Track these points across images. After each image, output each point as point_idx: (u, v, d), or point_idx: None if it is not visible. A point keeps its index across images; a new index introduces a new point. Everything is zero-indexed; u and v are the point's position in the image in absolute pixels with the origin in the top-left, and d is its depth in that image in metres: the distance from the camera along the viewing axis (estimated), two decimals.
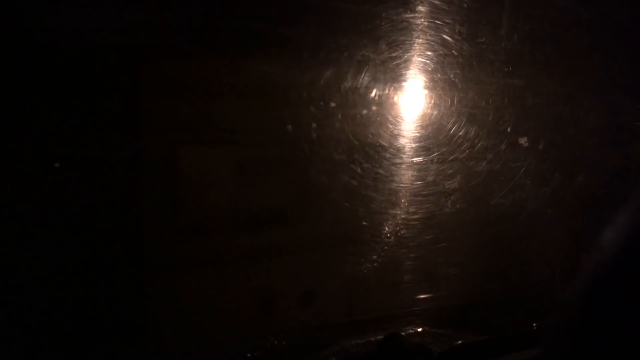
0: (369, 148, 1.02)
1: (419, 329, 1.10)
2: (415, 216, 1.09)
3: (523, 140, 1.13)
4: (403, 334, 1.04)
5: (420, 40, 1.00)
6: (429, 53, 1.01)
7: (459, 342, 0.89)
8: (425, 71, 1.02)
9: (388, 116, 1.02)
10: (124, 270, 0.90)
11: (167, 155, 0.92)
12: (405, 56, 1.00)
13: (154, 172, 0.92)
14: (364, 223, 1.06)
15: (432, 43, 1.01)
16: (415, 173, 1.07)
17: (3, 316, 0.80)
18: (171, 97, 0.91)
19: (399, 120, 1.03)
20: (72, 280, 0.85)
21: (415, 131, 1.05)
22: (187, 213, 0.96)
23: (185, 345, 0.94)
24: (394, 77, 1.00)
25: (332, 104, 0.97)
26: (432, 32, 1.01)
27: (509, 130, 1.12)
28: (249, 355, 0.97)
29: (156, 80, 0.90)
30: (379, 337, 1.00)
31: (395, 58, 0.99)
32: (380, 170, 1.04)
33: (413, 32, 0.99)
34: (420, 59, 1.01)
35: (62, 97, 0.82)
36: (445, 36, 1.01)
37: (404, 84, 1.01)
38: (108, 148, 0.87)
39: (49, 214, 0.83)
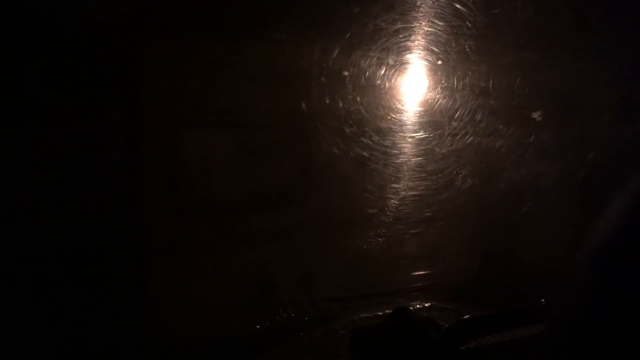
0: (380, 121, 1.00)
1: (427, 304, 1.10)
2: (425, 192, 1.09)
3: (536, 115, 1.12)
4: (411, 308, 1.04)
5: (434, 11, 0.98)
6: (441, 24, 0.99)
7: (467, 316, 0.89)
8: (438, 42, 1.00)
9: (399, 88, 1.00)
10: (131, 251, 0.90)
11: (170, 137, 0.91)
12: (418, 26, 0.98)
13: (156, 155, 0.91)
14: (372, 198, 1.05)
15: (445, 13, 0.99)
16: (425, 147, 1.05)
17: (10, 296, 0.80)
18: (174, 78, 0.89)
19: (409, 92, 1.02)
20: (77, 263, 0.84)
21: (426, 104, 1.03)
22: (196, 195, 0.95)
23: (195, 320, 0.94)
24: (406, 48, 0.98)
25: (344, 74, 0.95)
26: (446, 2, 0.98)
27: (521, 104, 1.10)
28: (257, 327, 0.98)
29: (157, 61, 0.88)
30: (387, 311, 1.00)
31: (407, 28, 0.97)
32: (389, 144, 1.03)
33: (426, 2, 0.97)
34: (433, 30, 0.99)
35: (63, 78, 0.80)
36: (459, 6, 0.99)
37: (416, 54, 0.99)
38: (109, 130, 0.86)
39: (52, 196, 0.82)
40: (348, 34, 0.93)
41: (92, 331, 0.86)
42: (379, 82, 0.98)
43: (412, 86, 1.01)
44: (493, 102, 1.08)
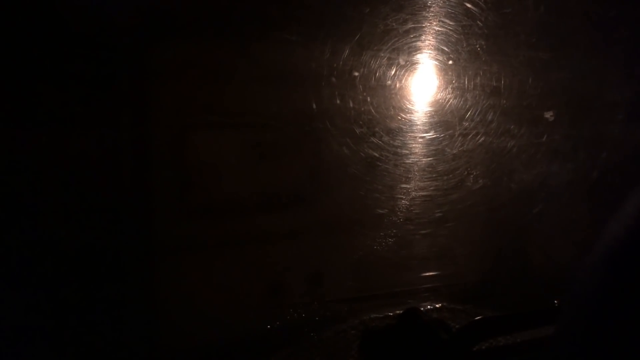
0: (390, 121, 1.00)
1: (437, 305, 1.10)
2: (435, 193, 1.08)
3: (549, 114, 1.11)
4: (422, 309, 1.04)
5: (444, 10, 0.98)
6: (452, 23, 0.99)
7: (478, 317, 0.88)
8: (448, 42, 0.99)
9: (409, 88, 1.00)
10: (141, 251, 0.91)
11: (180, 138, 0.91)
12: (429, 26, 0.97)
13: (165, 156, 0.91)
14: (382, 198, 1.05)
15: (456, 13, 0.98)
16: (436, 148, 1.05)
17: (20, 295, 0.81)
18: (183, 80, 0.89)
19: (420, 92, 1.01)
20: (86, 263, 0.85)
21: (436, 104, 1.03)
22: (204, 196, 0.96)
23: (205, 320, 0.95)
24: (417, 48, 0.98)
25: (354, 74, 0.95)
26: (456, 2, 0.98)
27: (533, 104, 1.10)
28: (268, 326, 0.98)
29: (167, 62, 0.88)
30: (397, 312, 1.00)
31: (418, 28, 0.97)
32: (400, 144, 1.02)
33: (437, 1, 0.97)
34: (443, 29, 0.98)
35: (73, 80, 0.81)
36: (469, 5, 0.98)
37: (426, 54, 0.99)
38: (119, 131, 0.86)
39: (61, 197, 0.83)
40: (358, 35, 0.93)
41: (101, 331, 0.86)
42: (389, 82, 0.98)
43: (423, 86, 1.01)
44: (504, 102, 1.07)
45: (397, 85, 0.99)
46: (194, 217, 0.95)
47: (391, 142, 1.02)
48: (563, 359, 0.48)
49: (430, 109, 1.03)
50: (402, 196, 1.06)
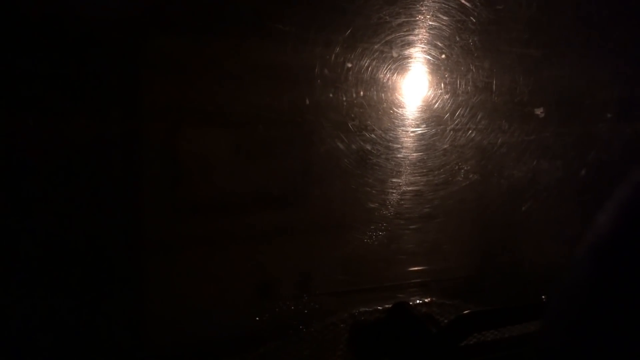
0: (382, 115, 1.00)
1: (427, 299, 1.10)
2: (426, 188, 1.08)
3: (539, 111, 1.11)
4: (411, 303, 1.04)
5: (438, 5, 0.97)
6: (446, 18, 0.99)
7: (466, 311, 0.89)
8: (441, 37, 0.99)
9: (402, 82, 1.00)
10: (130, 249, 0.90)
11: (170, 133, 0.90)
12: (422, 20, 0.97)
13: (155, 153, 0.91)
14: (373, 192, 1.05)
15: (449, 8, 0.98)
16: (427, 142, 1.05)
17: (10, 294, 0.80)
18: (173, 73, 0.88)
19: (412, 86, 1.01)
20: (74, 261, 0.84)
21: (428, 99, 1.03)
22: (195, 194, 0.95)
23: (194, 314, 0.94)
24: (410, 42, 0.98)
25: (347, 66, 0.95)
26: None
27: (524, 101, 1.10)
28: (257, 319, 0.98)
29: (156, 59, 0.87)
30: (386, 306, 1.00)
31: (411, 22, 0.97)
32: (391, 138, 1.02)
33: None
34: (437, 24, 0.98)
35: (62, 75, 0.80)
36: (463, 1, 0.98)
37: (419, 49, 0.99)
38: (108, 127, 0.85)
39: (49, 194, 0.82)
40: (351, 28, 0.93)
41: (91, 330, 0.86)
42: (382, 76, 0.98)
43: (415, 81, 1.01)
44: (496, 98, 1.07)
45: (390, 79, 0.99)
46: (185, 214, 0.95)
47: (383, 135, 1.02)
48: (550, 353, 0.48)
49: (422, 103, 1.03)
50: (392, 190, 1.06)
